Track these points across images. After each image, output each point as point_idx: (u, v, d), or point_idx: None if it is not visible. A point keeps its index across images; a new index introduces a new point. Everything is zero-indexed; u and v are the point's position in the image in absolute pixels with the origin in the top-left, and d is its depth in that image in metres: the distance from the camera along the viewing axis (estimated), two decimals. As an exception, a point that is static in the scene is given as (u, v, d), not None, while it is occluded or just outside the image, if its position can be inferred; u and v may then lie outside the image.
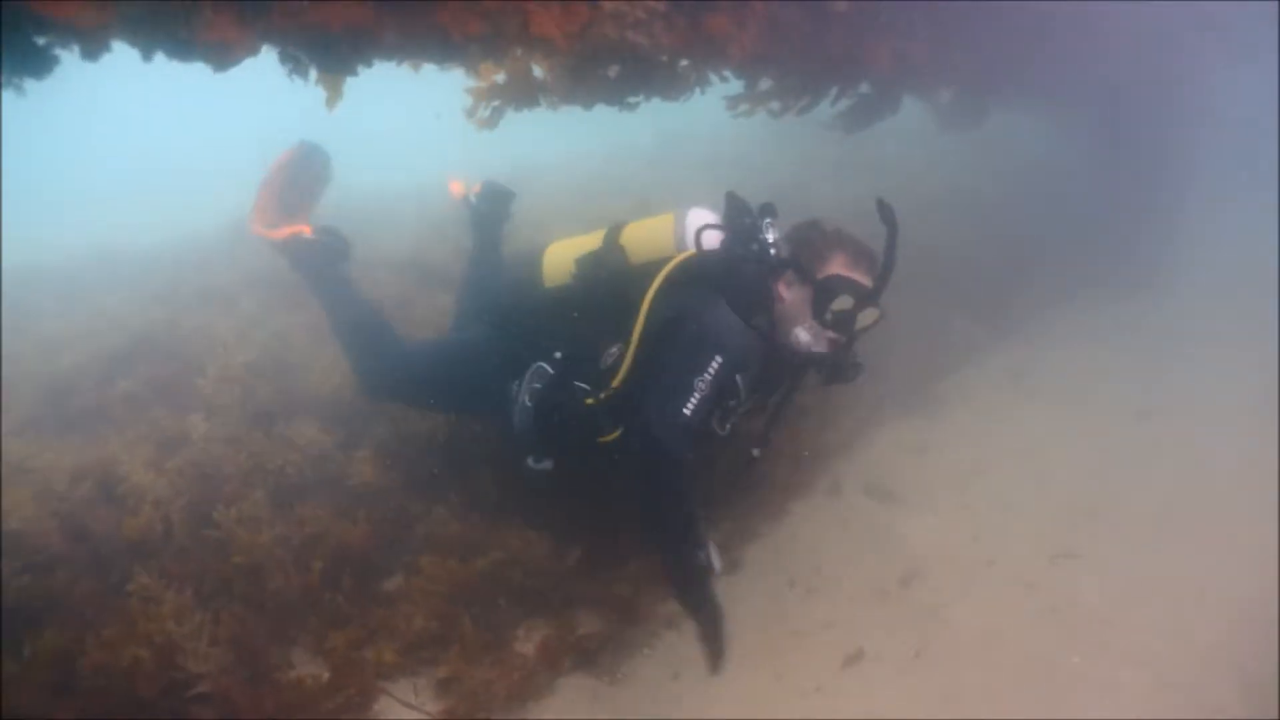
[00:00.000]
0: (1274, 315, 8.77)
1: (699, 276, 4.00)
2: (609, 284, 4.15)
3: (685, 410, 3.70)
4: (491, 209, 5.29)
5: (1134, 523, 5.28)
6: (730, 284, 4.00)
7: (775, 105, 6.26)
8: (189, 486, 4.60)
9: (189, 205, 13.83)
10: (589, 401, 4.00)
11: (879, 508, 5.44)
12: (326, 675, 3.89)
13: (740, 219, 4.20)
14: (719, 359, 3.79)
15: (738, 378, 3.92)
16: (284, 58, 3.76)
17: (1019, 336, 8.25)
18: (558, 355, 4.19)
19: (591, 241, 4.35)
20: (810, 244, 4.14)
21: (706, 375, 3.75)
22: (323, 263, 4.85)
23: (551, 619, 4.27)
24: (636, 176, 12.51)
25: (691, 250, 4.09)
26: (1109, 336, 8.60)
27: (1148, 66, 9.70)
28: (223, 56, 3.48)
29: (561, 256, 4.37)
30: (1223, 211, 11.90)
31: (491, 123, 5.15)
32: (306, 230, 4.94)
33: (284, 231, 4.91)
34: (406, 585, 4.32)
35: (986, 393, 6.97)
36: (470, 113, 5.04)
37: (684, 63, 4.98)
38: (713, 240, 4.13)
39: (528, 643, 4.18)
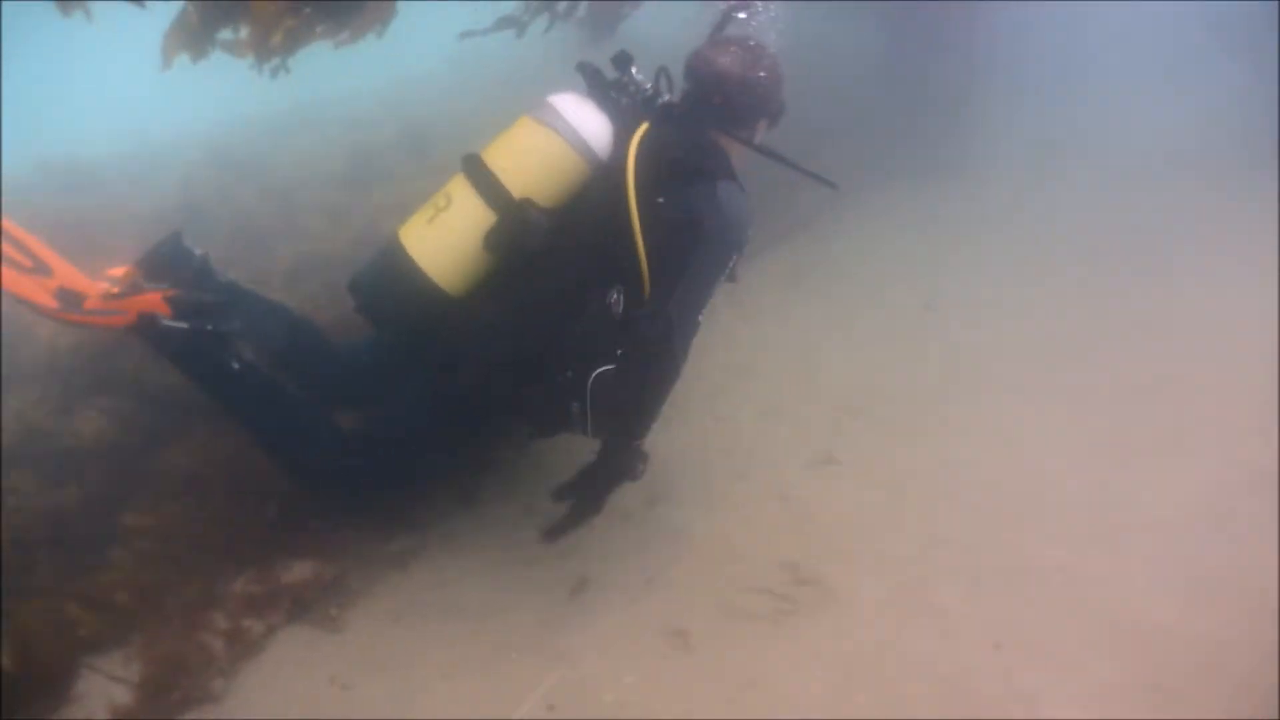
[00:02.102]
0: (1067, 204, 8.98)
1: (679, 170, 3.62)
2: (562, 245, 3.64)
3: (699, 318, 3.56)
4: (180, 272, 4.04)
5: (900, 421, 5.30)
6: (713, 158, 3.73)
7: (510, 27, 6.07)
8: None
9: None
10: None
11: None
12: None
13: (614, 84, 3.89)
14: (735, 255, 3.61)
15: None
16: None
17: (804, 232, 8.12)
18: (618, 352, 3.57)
19: (463, 206, 3.64)
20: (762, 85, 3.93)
21: (722, 276, 3.60)
22: (207, 355, 3.94)
23: (263, 569, 4.12)
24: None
25: (630, 150, 3.60)
26: (902, 226, 8.62)
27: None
28: None
29: (441, 243, 3.63)
30: (1026, 102, 12.03)
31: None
32: (161, 306, 3.86)
33: (122, 312, 3.82)
34: (119, 549, 4.13)
35: (759, 294, 6.86)
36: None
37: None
38: (598, 125, 3.73)
39: (241, 596, 4.04)
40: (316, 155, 8.86)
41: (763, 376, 5.89)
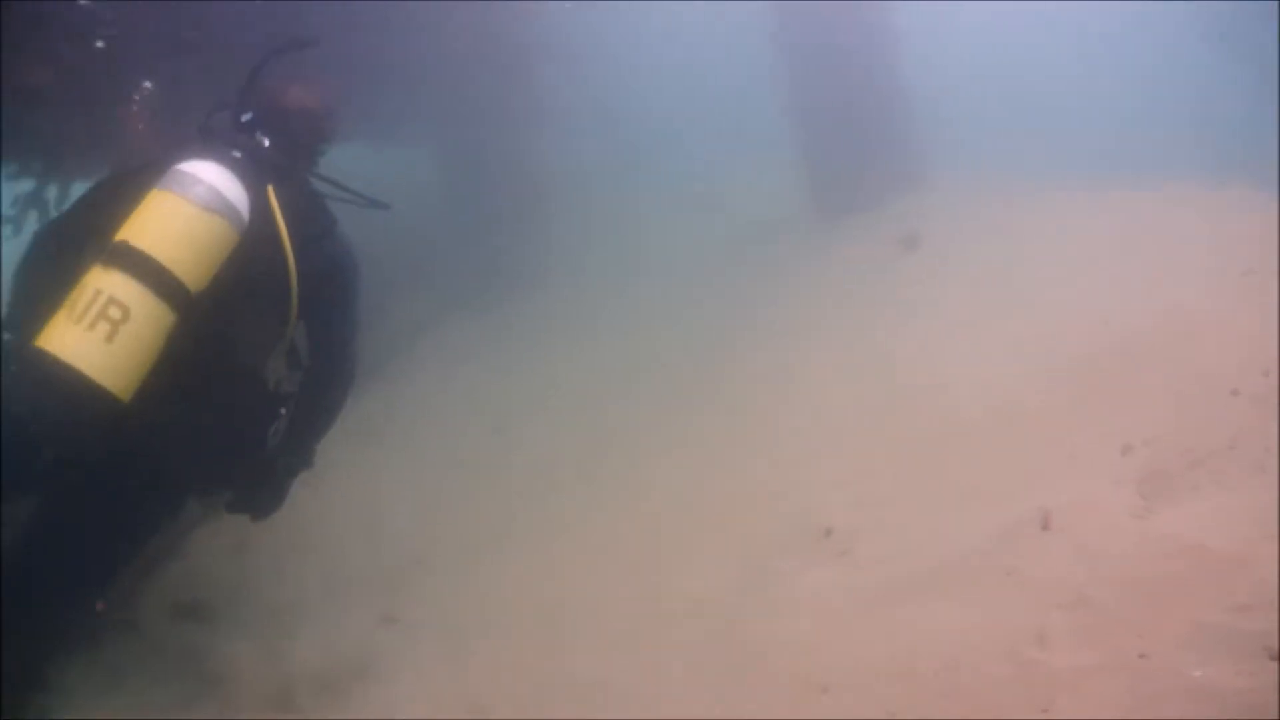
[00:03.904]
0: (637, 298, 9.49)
1: (313, 225, 3.76)
2: (219, 317, 3.44)
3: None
4: None
5: (462, 568, 5.28)
6: (325, 206, 3.92)
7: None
8: None
9: None
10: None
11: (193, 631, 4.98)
12: None
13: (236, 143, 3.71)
14: None
15: None
16: None
17: (375, 380, 8.02)
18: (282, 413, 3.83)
19: (144, 313, 3.21)
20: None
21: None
22: None
23: None
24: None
25: (276, 213, 3.57)
26: (471, 354, 8.87)
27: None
28: None
29: (125, 358, 3.18)
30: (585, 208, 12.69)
31: None
32: None
33: None
34: None
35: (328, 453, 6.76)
36: None
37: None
38: (235, 188, 3.48)
39: None
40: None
41: (327, 547, 5.74)
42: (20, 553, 3.53)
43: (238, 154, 3.64)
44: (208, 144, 3.68)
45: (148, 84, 5.40)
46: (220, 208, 3.39)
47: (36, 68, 5.36)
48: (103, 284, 3.20)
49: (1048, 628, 2.90)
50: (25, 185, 6.53)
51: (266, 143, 3.80)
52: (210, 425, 3.55)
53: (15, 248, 6.63)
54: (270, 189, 3.61)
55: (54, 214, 6.40)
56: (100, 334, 3.15)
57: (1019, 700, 2.66)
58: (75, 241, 3.43)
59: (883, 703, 2.89)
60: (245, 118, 3.85)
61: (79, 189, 6.22)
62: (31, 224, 6.54)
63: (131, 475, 3.49)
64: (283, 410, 3.81)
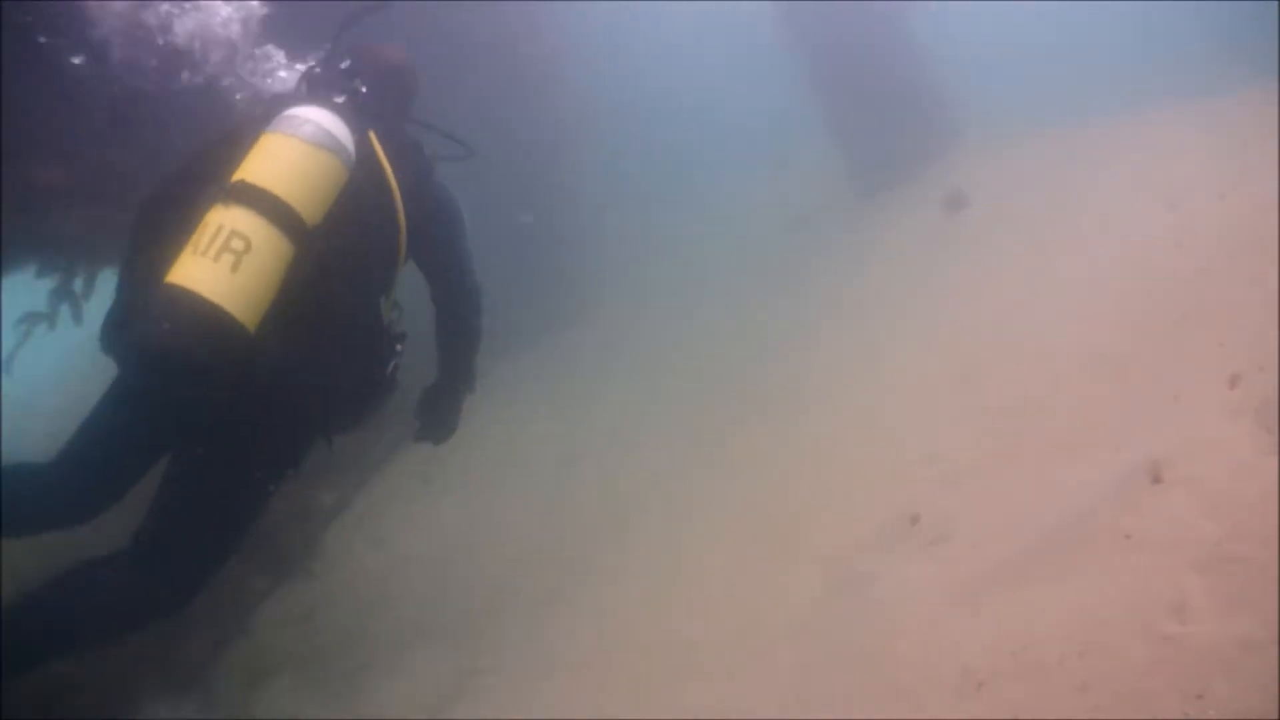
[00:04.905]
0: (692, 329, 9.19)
1: (417, 170, 3.80)
2: (336, 253, 3.43)
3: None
4: None
5: (545, 608, 5.06)
6: (422, 151, 3.93)
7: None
8: None
9: None
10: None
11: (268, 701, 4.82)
12: None
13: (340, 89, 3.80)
14: None
15: None
16: None
17: None
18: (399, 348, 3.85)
19: (266, 245, 3.24)
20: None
21: None
22: None
23: None
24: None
25: (382, 157, 3.63)
26: (537, 381, 8.64)
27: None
28: None
29: (251, 288, 3.22)
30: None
31: None
32: None
33: None
34: None
35: (388, 503, 6.57)
36: None
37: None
38: (344, 130, 3.50)
39: None
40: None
41: (398, 603, 5.54)
42: (156, 513, 3.49)
43: (340, 99, 3.73)
44: (310, 91, 3.83)
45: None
46: (329, 144, 3.44)
47: (49, 170, 5.22)
48: (224, 220, 3.24)
49: (1186, 595, 2.53)
50: (50, 282, 6.39)
51: (364, 89, 3.86)
52: (336, 362, 3.56)
53: (53, 341, 6.70)
54: (372, 133, 3.66)
55: (84, 305, 6.33)
56: (225, 265, 3.19)
57: (1165, 685, 2.30)
58: (191, 190, 3.40)
59: (1008, 706, 2.54)
60: (344, 65, 3.92)
61: (107, 276, 6.18)
62: (65, 318, 6.41)
63: (261, 415, 3.45)
64: (399, 348, 3.82)
